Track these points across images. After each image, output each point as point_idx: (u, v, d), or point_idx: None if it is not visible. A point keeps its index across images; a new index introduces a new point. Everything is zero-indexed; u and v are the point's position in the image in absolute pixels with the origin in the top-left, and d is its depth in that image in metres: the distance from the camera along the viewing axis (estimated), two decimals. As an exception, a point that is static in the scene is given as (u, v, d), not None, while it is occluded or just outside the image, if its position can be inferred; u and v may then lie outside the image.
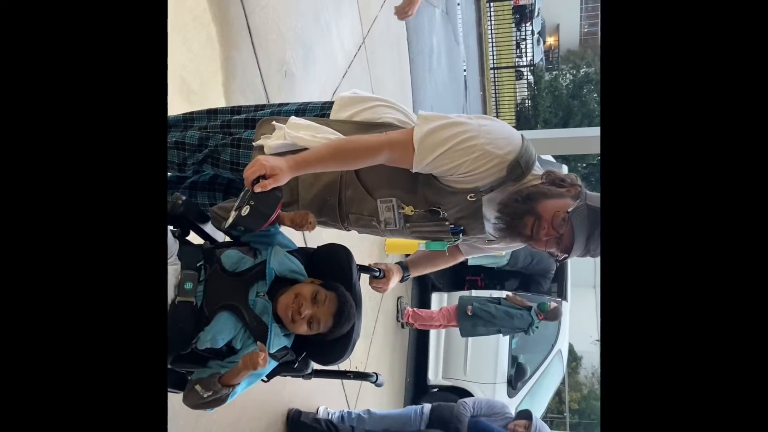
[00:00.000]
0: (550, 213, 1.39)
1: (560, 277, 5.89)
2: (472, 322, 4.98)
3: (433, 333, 5.77)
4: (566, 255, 1.41)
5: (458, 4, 11.00)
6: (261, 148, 1.57)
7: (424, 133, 1.43)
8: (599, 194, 1.39)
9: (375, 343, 4.72)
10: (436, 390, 5.70)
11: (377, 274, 1.77)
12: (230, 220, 1.36)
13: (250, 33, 2.83)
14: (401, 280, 1.84)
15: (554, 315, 4.95)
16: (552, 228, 1.39)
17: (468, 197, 1.45)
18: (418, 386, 5.81)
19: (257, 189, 1.34)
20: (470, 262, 5.80)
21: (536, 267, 5.80)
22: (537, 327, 4.87)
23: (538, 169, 1.47)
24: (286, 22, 3.28)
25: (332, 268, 1.55)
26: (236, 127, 1.72)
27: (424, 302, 6.06)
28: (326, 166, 1.46)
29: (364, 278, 1.77)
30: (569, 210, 1.38)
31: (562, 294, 5.83)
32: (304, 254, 1.57)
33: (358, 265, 1.66)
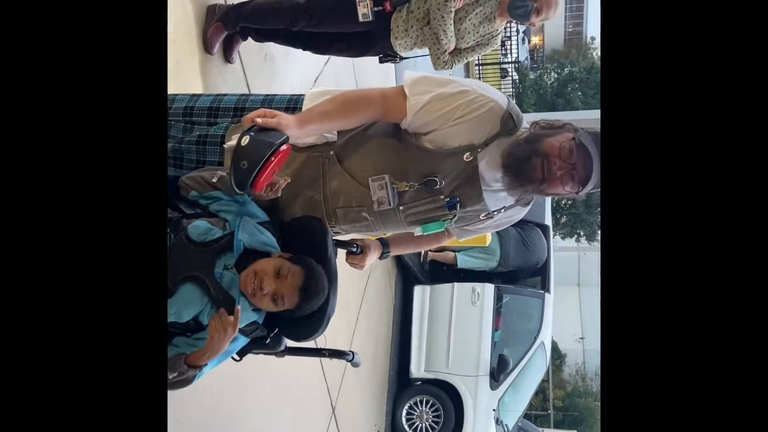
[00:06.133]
0: (555, 148, 1.37)
1: (544, 269, 5.87)
2: None
3: (415, 326, 5.73)
4: (583, 186, 1.37)
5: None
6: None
7: (415, 79, 1.44)
8: (594, 128, 1.38)
9: (357, 335, 4.67)
10: (419, 383, 5.67)
11: (354, 249, 1.72)
12: (233, 151, 1.26)
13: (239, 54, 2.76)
14: (380, 257, 1.79)
15: None
16: (563, 161, 1.36)
17: (464, 157, 1.42)
18: (400, 379, 5.77)
19: (258, 120, 1.27)
20: (460, 265, 5.77)
21: (527, 261, 5.75)
22: None
23: (526, 124, 1.48)
24: (266, 5, 3.20)
25: (306, 242, 1.50)
26: (198, 115, 1.65)
27: (407, 295, 6.02)
28: (330, 118, 1.42)
29: (341, 254, 1.72)
30: (573, 137, 1.36)
31: (545, 286, 5.81)
32: (277, 226, 1.52)
33: (334, 240, 1.61)
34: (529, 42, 23.86)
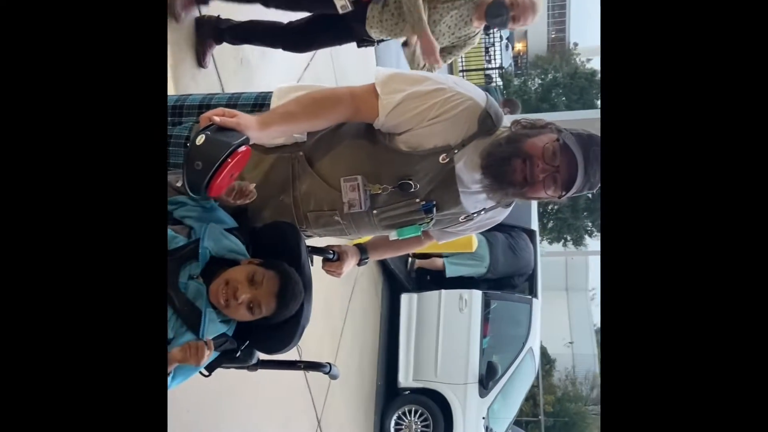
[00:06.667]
0: (539, 149, 1.30)
1: (531, 275, 5.82)
2: None
3: (403, 334, 5.65)
4: (567, 190, 1.31)
5: (426, 7, 10.94)
6: None
7: (387, 76, 1.35)
8: (578, 128, 1.34)
9: (343, 345, 4.57)
10: (407, 392, 5.58)
11: (330, 256, 1.64)
12: (187, 153, 1.16)
13: (200, 13, 2.68)
14: (359, 264, 1.71)
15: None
16: (546, 163, 1.30)
17: (440, 159, 1.35)
18: (388, 389, 5.68)
19: (216, 118, 1.17)
20: (448, 274, 5.69)
21: (516, 267, 5.67)
22: None
23: (506, 123, 1.41)
24: (242, 8, 3.13)
25: (278, 248, 1.42)
26: None
27: (394, 303, 5.94)
28: (294, 120, 1.33)
29: (317, 262, 1.64)
30: (557, 138, 1.30)
31: (532, 292, 5.76)
32: (246, 233, 1.43)
33: (309, 246, 1.53)
34: (513, 48, 24.01)
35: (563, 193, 1.32)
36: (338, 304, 4.56)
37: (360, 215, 1.42)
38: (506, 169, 1.32)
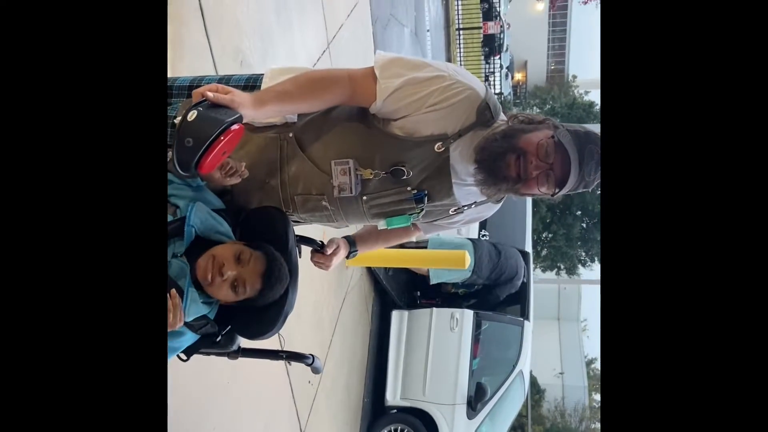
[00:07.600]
0: (533, 145, 1.29)
1: (523, 297, 5.77)
2: None
3: (392, 351, 5.57)
4: (560, 188, 1.29)
5: (428, 31, 11.08)
6: None
7: (387, 60, 1.33)
8: (577, 124, 1.33)
9: (331, 359, 4.50)
10: (394, 411, 5.48)
11: (319, 246, 1.60)
12: (177, 125, 1.10)
13: (202, 13, 2.68)
14: (347, 256, 1.67)
15: None
16: (540, 160, 1.28)
17: (435, 147, 1.32)
18: (375, 406, 5.58)
19: (209, 94, 1.13)
20: (432, 280, 5.60)
21: (503, 271, 5.55)
22: None
23: (503, 117, 1.39)
24: (244, 11, 3.15)
25: (265, 232, 1.38)
26: None
27: (384, 319, 5.87)
28: (290, 99, 1.29)
29: (305, 254, 1.61)
30: (552, 135, 1.28)
31: (524, 314, 5.70)
32: (233, 216, 1.40)
33: (297, 235, 1.50)
34: (513, 78, 24.30)
35: (556, 190, 1.31)
36: (328, 316, 4.50)
37: (349, 201, 1.39)
38: (500, 164, 1.30)
